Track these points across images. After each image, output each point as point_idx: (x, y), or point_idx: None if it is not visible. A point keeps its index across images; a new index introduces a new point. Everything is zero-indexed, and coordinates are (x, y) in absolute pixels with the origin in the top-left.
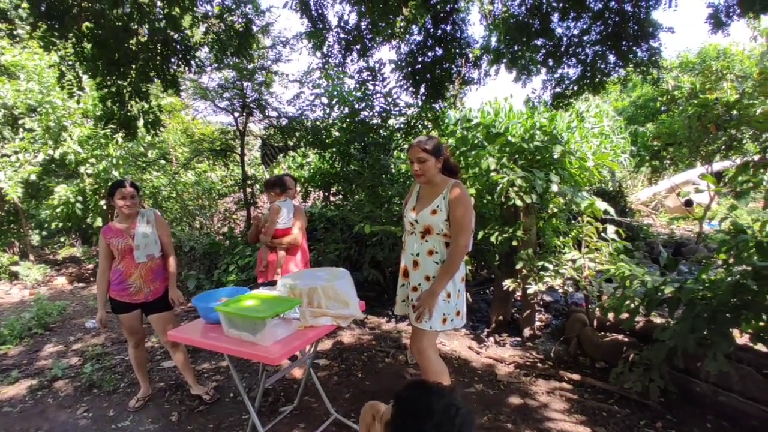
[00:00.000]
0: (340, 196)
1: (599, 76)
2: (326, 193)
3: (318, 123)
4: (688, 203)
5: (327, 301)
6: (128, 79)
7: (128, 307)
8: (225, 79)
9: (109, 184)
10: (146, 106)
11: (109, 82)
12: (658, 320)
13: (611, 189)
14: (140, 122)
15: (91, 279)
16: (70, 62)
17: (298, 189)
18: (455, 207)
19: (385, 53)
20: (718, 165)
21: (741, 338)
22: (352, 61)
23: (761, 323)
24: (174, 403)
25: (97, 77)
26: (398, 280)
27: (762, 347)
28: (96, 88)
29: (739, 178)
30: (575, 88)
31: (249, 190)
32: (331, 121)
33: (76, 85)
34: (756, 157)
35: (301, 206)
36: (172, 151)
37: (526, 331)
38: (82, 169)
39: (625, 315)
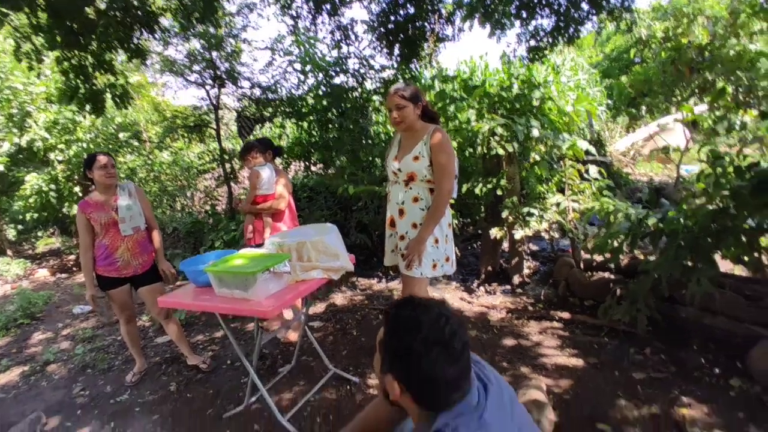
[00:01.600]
0: (321, 165)
1: (573, 26)
2: (307, 163)
3: (293, 92)
4: (665, 150)
5: (317, 255)
6: (90, 50)
7: (117, 282)
8: (192, 51)
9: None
10: (112, 78)
11: (69, 55)
12: (642, 257)
13: (590, 139)
14: (108, 96)
15: (74, 269)
16: (26, 34)
17: (278, 161)
18: (437, 152)
19: (357, 11)
20: (694, 110)
21: (722, 264)
22: (322, 22)
23: (741, 247)
24: (171, 374)
25: (55, 49)
26: (385, 231)
27: (743, 271)
28: (56, 62)
29: (718, 102)
30: (550, 40)
31: (228, 165)
32: (306, 88)
33: (34, 57)
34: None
35: (282, 169)
36: (144, 132)
37: (516, 279)
38: (52, 156)
39: (609, 254)
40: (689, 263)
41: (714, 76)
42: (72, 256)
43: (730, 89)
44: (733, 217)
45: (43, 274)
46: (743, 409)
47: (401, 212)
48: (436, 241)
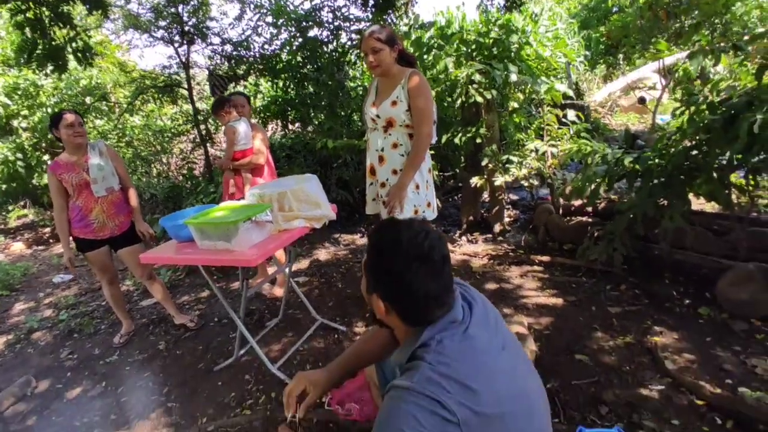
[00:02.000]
0: (299, 124)
1: None
2: (284, 122)
3: (266, 47)
4: (641, 100)
5: (298, 204)
6: (45, 1)
7: (94, 244)
8: (156, 5)
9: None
10: (72, 32)
11: (23, 7)
12: (617, 201)
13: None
14: (69, 53)
15: (51, 241)
16: None
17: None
18: (415, 96)
19: None
20: (669, 59)
21: (693, 203)
22: None
23: (713, 184)
24: (159, 334)
25: (9, 1)
26: (366, 180)
27: (712, 209)
28: (10, 15)
29: (693, 38)
30: None
31: (203, 126)
32: (279, 44)
33: None
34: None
35: (259, 125)
36: (112, 95)
37: (496, 227)
38: (15, 123)
39: (587, 198)
40: (663, 202)
41: (690, 20)
42: (47, 229)
43: (705, 32)
44: (705, 154)
45: (18, 247)
46: (710, 334)
47: (381, 159)
48: (417, 186)
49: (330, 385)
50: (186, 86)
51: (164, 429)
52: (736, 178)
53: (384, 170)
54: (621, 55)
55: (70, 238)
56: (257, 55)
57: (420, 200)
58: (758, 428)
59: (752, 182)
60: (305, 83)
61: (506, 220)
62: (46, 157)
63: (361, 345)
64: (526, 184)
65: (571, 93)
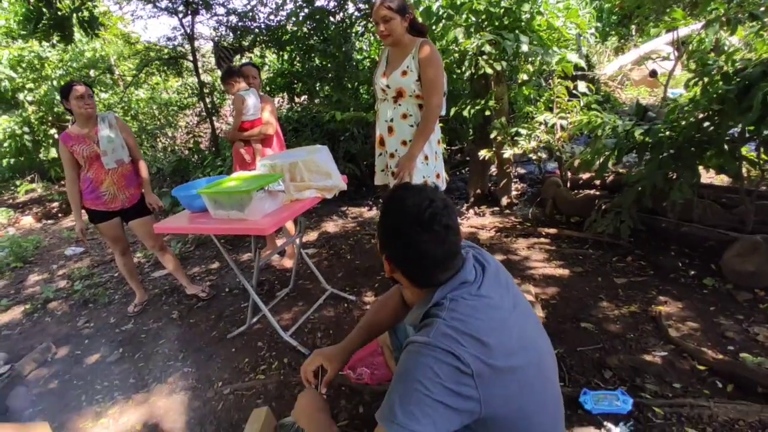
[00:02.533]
0: (306, 97)
1: None
2: (290, 95)
3: (271, 18)
4: (653, 73)
5: (309, 175)
6: None
7: (106, 215)
8: None
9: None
10: (77, 2)
11: None
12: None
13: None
14: (74, 23)
15: (60, 215)
16: None
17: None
18: (426, 66)
19: None
20: (684, 31)
21: (702, 176)
22: None
23: (723, 156)
24: (172, 304)
25: None
26: (375, 150)
27: (721, 182)
28: None
29: (710, 7)
30: None
31: (209, 99)
32: (285, 14)
33: None
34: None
35: (267, 96)
36: (116, 68)
37: (504, 200)
38: (21, 96)
39: (595, 171)
40: (672, 174)
41: None
42: (56, 203)
43: (722, 1)
44: (717, 126)
45: (28, 221)
46: (714, 304)
47: (390, 130)
48: (426, 158)
49: (346, 358)
50: (191, 58)
51: (182, 392)
52: (747, 151)
53: (393, 141)
54: (633, 27)
55: (82, 209)
56: (263, 27)
57: (429, 171)
58: (758, 391)
59: (763, 155)
60: (312, 55)
61: (514, 193)
62: (52, 131)
63: (371, 316)
64: (534, 157)
65: (583, 64)
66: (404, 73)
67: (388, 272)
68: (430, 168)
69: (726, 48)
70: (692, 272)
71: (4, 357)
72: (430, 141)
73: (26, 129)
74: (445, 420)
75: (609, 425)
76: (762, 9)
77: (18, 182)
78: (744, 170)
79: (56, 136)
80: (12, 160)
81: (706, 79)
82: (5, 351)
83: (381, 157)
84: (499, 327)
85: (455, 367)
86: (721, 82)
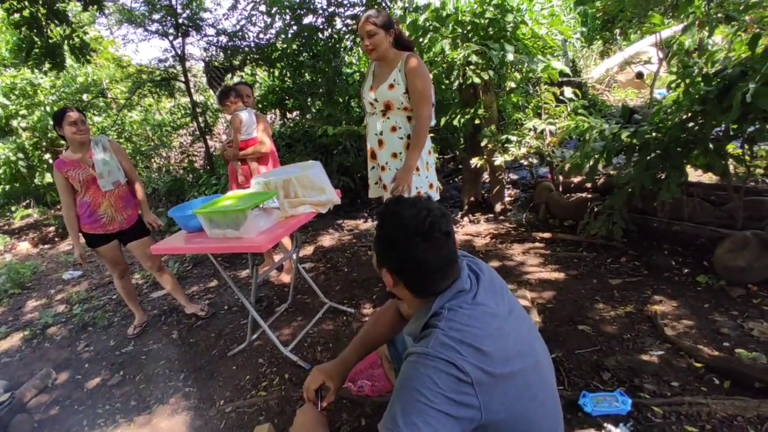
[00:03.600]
0: (297, 112)
1: None
2: (282, 111)
3: (261, 36)
4: (639, 75)
5: (303, 191)
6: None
7: (104, 238)
8: None
9: (51, 119)
10: (68, 29)
11: (19, 6)
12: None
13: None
14: (66, 50)
15: (56, 239)
16: None
17: None
18: (413, 78)
19: None
20: (667, 32)
21: (691, 175)
22: None
23: (709, 155)
24: (171, 324)
25: (4, 1)
26: (368, 164)
27: (710, 180)
28: (6, 14)
29: (688, 9)
30: None
31: (201, 118)
32: (274, 32)
33: None
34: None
35: (263, 115)
36: (108, 92)
37: (497, 207)
38: (14, 123)
39: (585, 174)
40: (661, 175)
41: None
42: (52, 228)
43: (701, 3)
44: (701, 125)
45: (24, 246)
46: (709, 301)
47: (380, 143)
48: (417, 169)
49: (346, 374)
50: (183, 79)
51: (184, 412)
52: (733, 149)
53: (384, 154)
54: (617, 30)
55: (80, 234)
56: (252, 45)
57: (421, 182)
58: (755, 386)
59: (748, 152)
60: (302, 71)
61: (507, 199)
62: (47, 156)
63: (370, 329)
64: (525, 163)
65: (567, 70)
66: (391, 86)
67: (389, 285)
68: (422, 179)
69: (710, 47)
70: (685, 270)
71: (5, 384)
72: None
73: (21, 155)
74: (446, 429)
75: (609, 426)
76: (740, 9)
77: (14, 208)
78: (731, 167)
79: (51, 161)
80: (7, 187)
81: (687, 81)
82: (5, 378)
83: (373, 170)
84: (496, 334)
85: (455, 376)
86: (702, 84)
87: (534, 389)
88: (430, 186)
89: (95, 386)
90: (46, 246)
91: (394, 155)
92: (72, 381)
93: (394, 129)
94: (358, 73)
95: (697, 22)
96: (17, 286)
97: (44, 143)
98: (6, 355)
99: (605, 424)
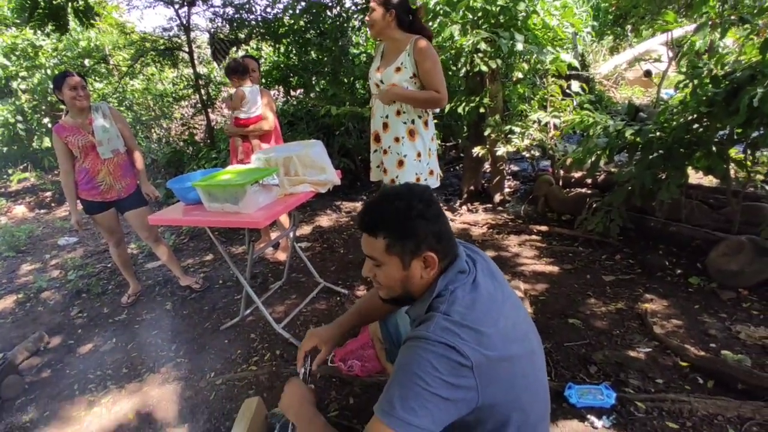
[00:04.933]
0: (301, 90)
1: None
2: (286, 88)
3: (268, 11)
4: (647, 74)
5: (303, 169)
6: None
7: (101, 206)
8: None
9: (52, 80)
10: None
11: None
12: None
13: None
14: (70, 12)
15: (53, 205)
16: None
17: None
18: (422, 60)
19: None
20: (678, 31)
21: (691, 177)
22: None
23: (711, 158)
24: (165, 295)
25: None
26: (371, 146)
27: (710, 183)
28: None
29: (702, 9)
30: None
31: (204, 91)
32: (281, 7)
33: None
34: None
35: (268, 91)
36: (111, 58)
37: (497, 197)
38: (14, 84)
39: (587, 170)
40: (662, 175)
41: None
42: (48, 192)
43: (715, 4)
44: (706, 128)
45: (20, 210)
46: (699, 302)
47: (385, 126)
48: (419, 154)
49: (340, 339)
50: (187, 49)
51: (175, 382)
52: (735, 153)
53: (387, 137)
54: (629, 27)
55: (78, 200)
56: (259, 19)
57: (422, 168)
58: (737, 387)
59: (750, 157)
60: (308, 49)
61: (506, 190)
62: (46, 120)
63: (365, 303)
64: (527, 155)
65: (576, 64)
66: (398, 69)
67: (426, 270)
68: (422, 164)
69: (720, 49)
70: (678, 271)
71: None
72: (423, 137)
73: (19, 117)
74: (443, 413)
75: (592, 418)
76: (755, 12)
77: (11, 171)
78: (732, 172)
79: (50, 125)
80: (4, 149)
81: (695, 82)
82: None
83: (376, 154)
84: (495, 317)
85: (455, 360)
86: (710, 85)
87: (529, 377)
88: (431, 173)
89: (87, 352)
90: (42, 211)
91: (397, 139)
92: (64, 345)
93: (399, 113)
94: (364, 54)
95: (710, 23)
96: (12, 250)
97: (44, 107)
98: None
99: (588, 416)
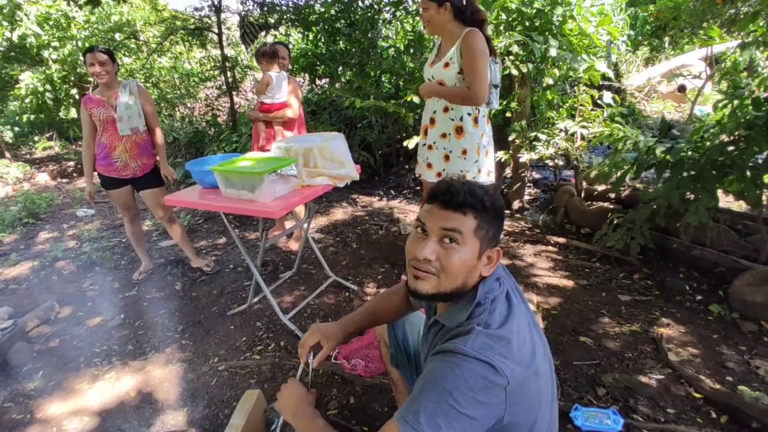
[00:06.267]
0: (327, 80)
1: None
2: (312, 77)
3: None
4: (682, 88)
5: (323, 162)
6: None
7: (117, 182)
8: None
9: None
10: None
11: None
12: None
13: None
14: None
15: (75, 174)
16: None
17: None
18: (467, 54)
19: None
20: (719, 47)
21: (722, 200)
22: None
23: (745, 182)
24: (176, 275)
25: None
26: (419, 140)
27: (739, 208)
28: None
29: (750, 27)
30: None
31: (230, 73)
32: None
33: None
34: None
35: (295, 79)
36: (141, 34)
37: (516, 204)
38: (45, 54)
39: (611, 184)
40: (690, 196)
41: (747, 7)
42: (71, 162)
43: (762, 22)
44: (741, 151)
45: (43, 178)
46: (718, 332)
47: (432, 121)
48: (464, 152)
49: (343, 339)
50: (216, 30)
51: (178, 363)
52: None
53: (434, 133)
54: (667, 38)
55: (95, 173)
56: (291, 5)
57: (468, 165)
58: (752, 426)
59: None
60: (337, 38)
61: (526, 198)
62: (74, 92)
63: (375, 304)
64: (550, 163)
65: (610, 74)
66: (447, 65)
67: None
68: (468, 162)
69: (759, 69)
70: (699, 297)
71: (9, 311)
72: (471, 135)
73: (48, 87)
74: (467, 431)
75: None
76: None
77: (36, 138)
78: (764, 198)
79: (77, 96)
80: (32, 117)
81: (735, 102)
82: (11, 305)
83: (423, 148)
84: (525, 329)
85: (491, 380)
86: (751, 107)
87: (546, 394)
88: (479, 171)
89: (95, 325)
90: (64, 180)
91: (444, 135)
92: (74, 317)
93: (446, 110)
94: (393, 49)
95: (759, 41)
96: (32, 216)
97: (72, 78)
98: (14, 282)
99: None
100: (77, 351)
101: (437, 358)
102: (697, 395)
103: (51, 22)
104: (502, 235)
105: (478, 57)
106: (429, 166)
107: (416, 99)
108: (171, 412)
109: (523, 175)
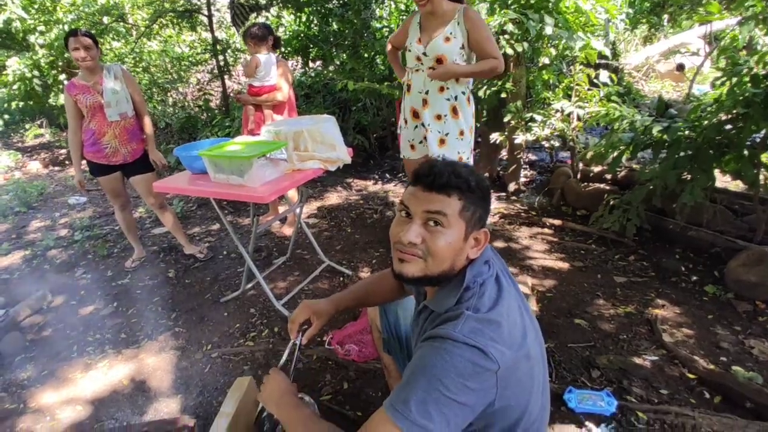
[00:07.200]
0: (320, 62)
1: None
2: (305, 59)
3: None
4: (680, 67)
5: (314, 145)
6: None
7: (106, 168)
8: None
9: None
10: None
11: None
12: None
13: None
14: None
15: (67, 162)
16: None
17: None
18: (477, 28)
19: None
20: (718, 24)
21: (718, 180)
22: None
23: (742, 161)
24: (169, 262)
25: None
26: (406, 123)
27: (736, 187)
28: None
29: (746, 3)
30: None
31: (221, 57)
32: None
33: None
34: None
35: (285, 61)
36: (129, 17)
37: (512, 186)
38: (32, 38)
39: (608, 164)
40: (687, 176)
41: None
42: (63, 150)
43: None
44: (739, 129)
45: (35, 166)
46: (713, 312)
47: (424, 102)
48: (461, 132)
49: (334, 314)
50: (206, 13)
51: (171, 351)
52: (767, 158)
53: (428, 114)
54: (666, 16)
55: (83, 161)
56: None
57: (464, 146)
58: (746, 405)
59: None
60: (329, 19)
61: (522, 180)
62: (62, 77)
63: (367, 285)
64: (546, 144)
65: (607, 52)
66: (447, 39)
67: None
68: (465, 143)
69: (759, 47)
70: (694, 277)
71: (1, 301)
72: (465, 114)
73: (36, 72)
74: (458, 417)
75: (590, 425)
76: None
77: (27, 126)
78: (762, 177)
79: (66, 82)
80: (21, 104)
81: (734, 80)
82: (2, 295)
83: (416, 130)
84: (515, 312)
85: (481, 365)
86: (749, 85)
87: (538, 378)
88: (473, 151)
89: (88, 314)
90: (56, 168)
91: (438, 117)
92: (66, 306)
93: (442, 89)
94: (386, 29)
95: (758, 17)
96: (23, 205)
97: (60, 63)
98: (5, 272)
99: (587, 422)
100: (70, 340)
101: (426, 345)
102: (691, 376)
103: (36, 6)
104: (497, 218)
105: (486, 28)
106: (412, 147)
107: None
108: (164, 400)
109: (519, 156)
